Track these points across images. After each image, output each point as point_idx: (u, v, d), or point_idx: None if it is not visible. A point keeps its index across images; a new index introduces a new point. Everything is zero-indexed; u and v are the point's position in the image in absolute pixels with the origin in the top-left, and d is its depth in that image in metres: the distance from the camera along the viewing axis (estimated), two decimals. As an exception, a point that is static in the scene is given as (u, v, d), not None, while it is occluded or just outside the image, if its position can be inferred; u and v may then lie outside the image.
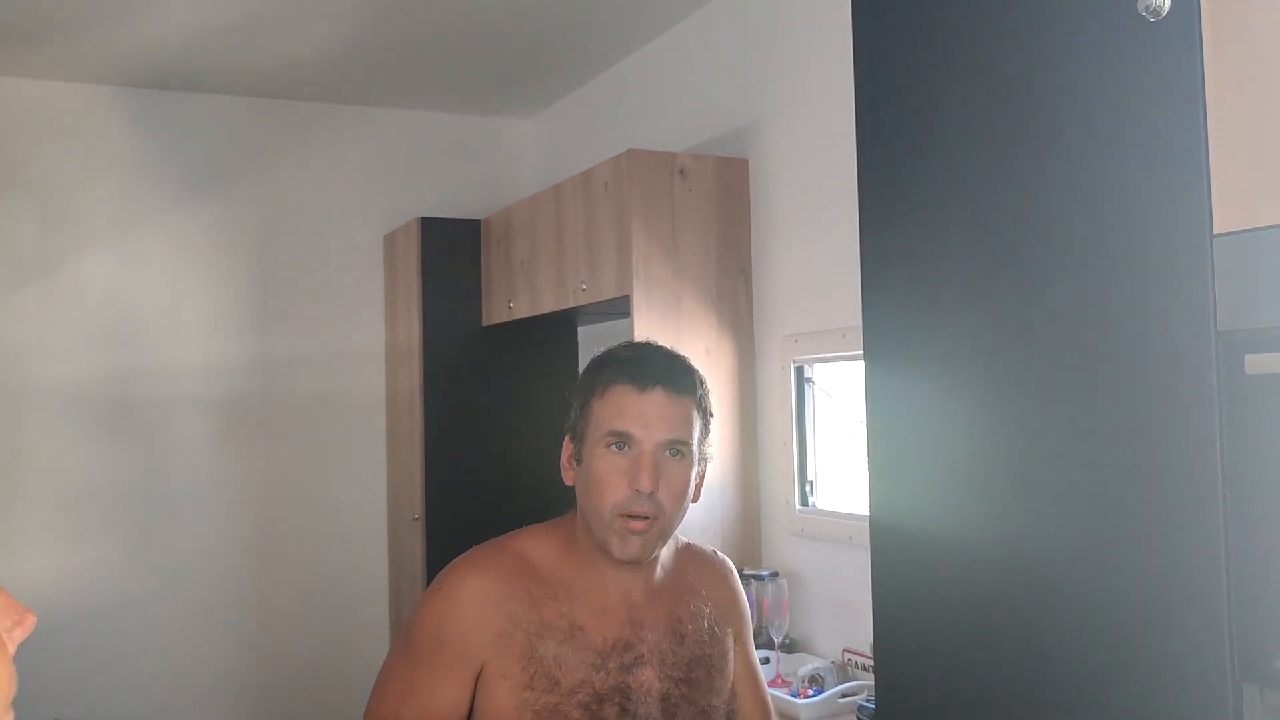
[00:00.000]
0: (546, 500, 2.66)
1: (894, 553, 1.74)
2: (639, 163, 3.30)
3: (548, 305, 3.84)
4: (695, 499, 1.58)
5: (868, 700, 2.54)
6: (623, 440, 1.47)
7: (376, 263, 4.81)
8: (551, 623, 1.44)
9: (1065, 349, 1.44)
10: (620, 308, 3.54)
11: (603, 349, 1.63)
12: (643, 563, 1.51)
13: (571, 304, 3.65)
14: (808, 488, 3.25)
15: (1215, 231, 1.24)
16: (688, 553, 1.67)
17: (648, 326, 3.26)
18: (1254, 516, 1.21)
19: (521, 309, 4.05)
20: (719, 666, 1.57)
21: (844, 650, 2.94)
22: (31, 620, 0.77)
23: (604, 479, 1.47)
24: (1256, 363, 1.18)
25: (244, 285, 4.58)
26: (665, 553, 1.59)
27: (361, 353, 4.77)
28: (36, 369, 4.25)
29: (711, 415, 1.59)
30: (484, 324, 4.39)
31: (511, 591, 1.45)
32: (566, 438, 1.56)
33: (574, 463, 1.54)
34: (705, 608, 1.61)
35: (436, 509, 4.29)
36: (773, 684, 2.82)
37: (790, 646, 3.08)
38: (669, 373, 1.52)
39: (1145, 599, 1.33)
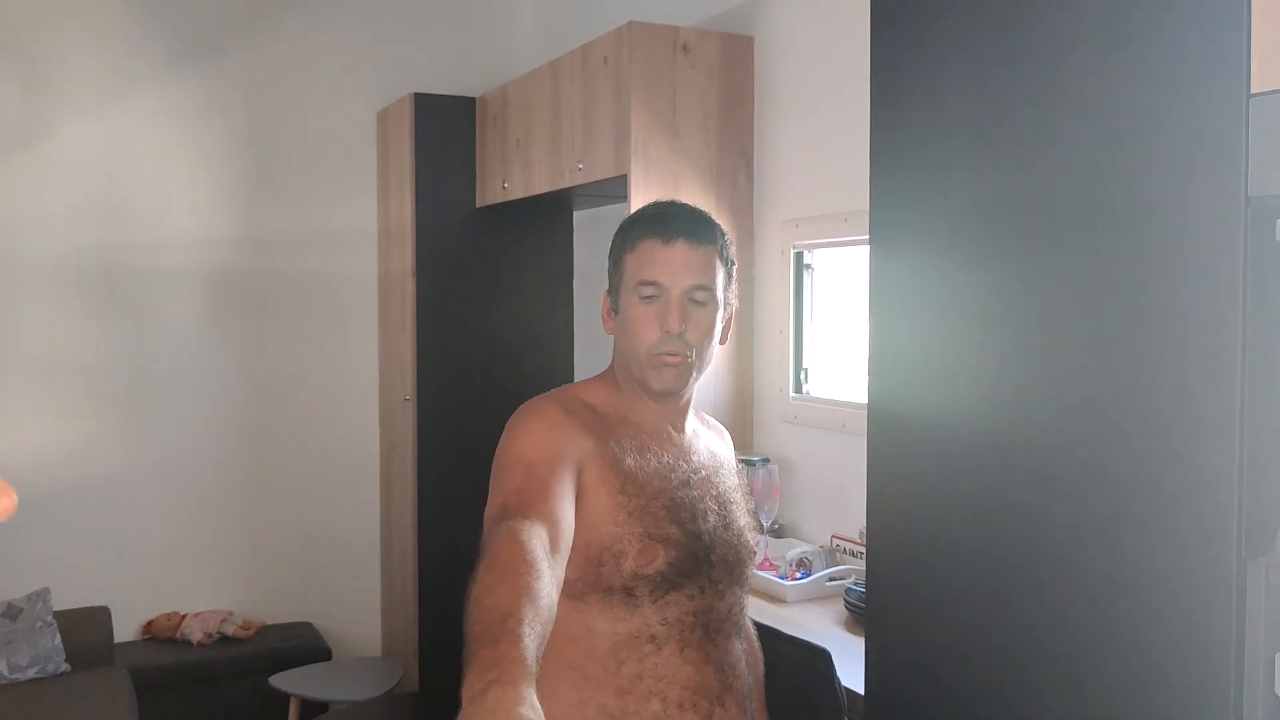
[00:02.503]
0: (539, 382, 2.62)
1: (891, 440, 1.72)
2: (640, 36, 3.18)
3: (543, 185, 3.75)
4: (723, 341, 1.71)
5: (855, 584, 2.54)
6: (652, 288, 1.60)
7: (369, 140, 4.70)
8: (625, 443, 1.60)
9: (1082, 220, 1.38)
10: (617, 189, 3.46)
11: (633, 212, 1.74)
12: (678, 394, 1.66)
13: (568, 184, 3.57)
14: (802, 375, 3.22)
15: (1252, 90, 1.17)
16: (701, 416, 1.83)
17: (645, 207, 3.18)
18: (1272, 392, 1.17)
19: (516, 189, 3.96)
20: (741, 501, 1.74)
21: (832, 536, 2.94)
22: (8, 503, 0.72)
23: (638, 325, 1.61)
24: (1288, 228, 1.13)
25: (234, 159, 4.47)
26: (690, 408, 1.75)
27: (353, 232, 4.69)
28: (21, 241, 4.16)
29: (734, 263, 1.70)
30: (478, 205, 4.30)
31: (585, 419, 1.60)
32: (604, 292, 1.70)
33: (612, 314, 1.68)
34: (725, 452, 1.80)
35: (428, 390, 4.26)
36: (761, 567, 2.82)
37: (779, 531, 3.08)
38: (691, 225, 1.63)
39: (1153, 475, 1.30)
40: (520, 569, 1.27)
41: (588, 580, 1.54)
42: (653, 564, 1.54)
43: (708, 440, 1.78)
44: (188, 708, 4.04)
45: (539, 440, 1.54)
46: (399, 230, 4.42)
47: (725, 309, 1.68)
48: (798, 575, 2.72)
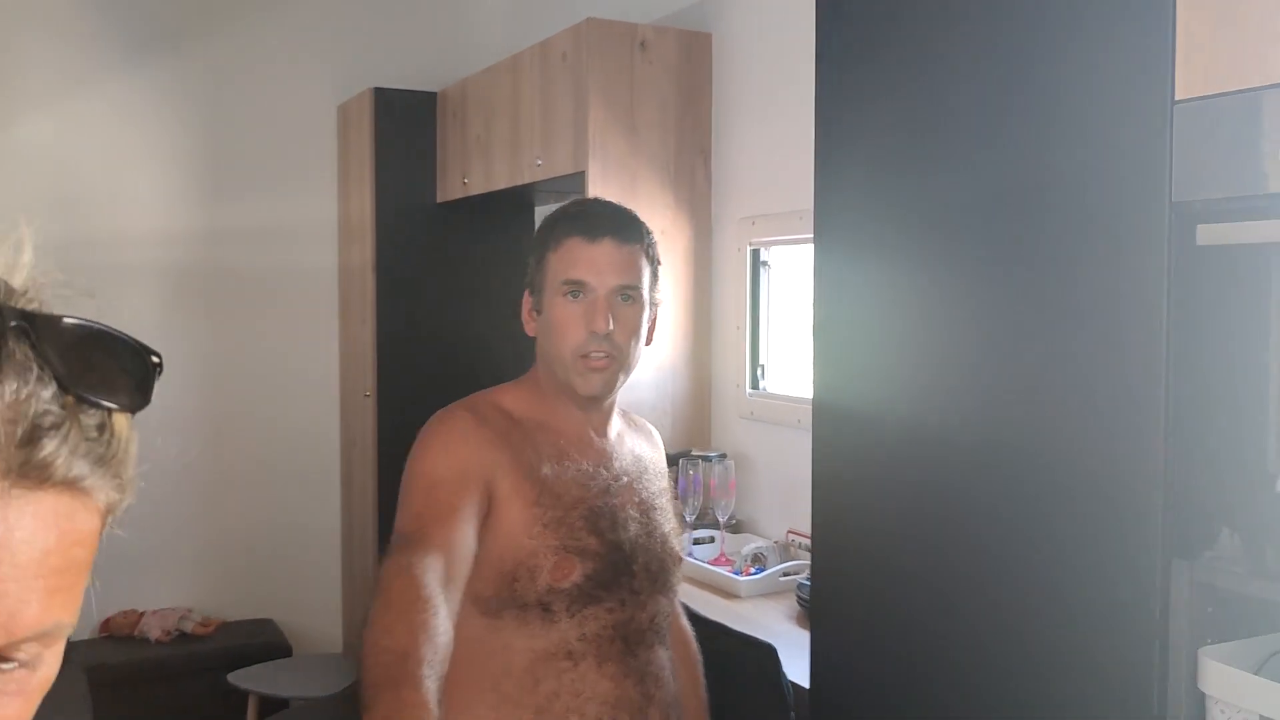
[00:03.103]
0: (499, 377, 2.62)
1: (835, 434, 1.73)
2: (598, 33, 3.19)
3: (502, 181, 3.75)
4: (649, 341, 1.68)
5: (808, 579, 2.56)
6: (577, 288, 1.57)
7: (329, 134, 4.67)
8: (543, 451, 1.56)
9: (1014, 225, 1.40)
10: (575, 185, 3.46)
11: (555, 208, 1.70)
12: (604, 399, 1.63)
13: (527, 180, 3.57)
14: (759, 371, 3.24)
15: (1176, 97, 1.19)
16: (627, 416, 1.80)
17: (603, 204, 3.19)
18: (1197, 392, 1.20)
19: (476, 185, 3.95)
20: (666, 506, 1.71)
21: (788, 531, 2.96)
22: None
23: (563, 325, 1.57)
24: (1209, 233, 1.15)
25: (192, 152, 4.43)
26: (615, 409, 1.72)
27: (313, 226, 4.66)
28: (-27, 234, 4.11)
29: (659, 263, 1.67)
30: (438, 200, 4.29)
31: (501, 427, 1.55)
32: (526, 292, 1.66)
33: (534, 314, 1.64)
34: (651, 453, 1.77)
35: (388, 386, 4.24)
36: (716, 562, 2.84)
37: (735, 527, 3.10)
38: (617, 224, 1.61)
39: (1082, 474, 1.32)
40: (417, 608, 1.25)
41: (502, 597, 1.50)
42: (569, 577, 1.50)
43: (633, 443, 1.74)
44: (146, 706, 4.01)
45: (445, 456, 1.50)
46: (359, 225, 4.40)
47: (651, 309, 1.65)
48: (752, 570, 2.73)
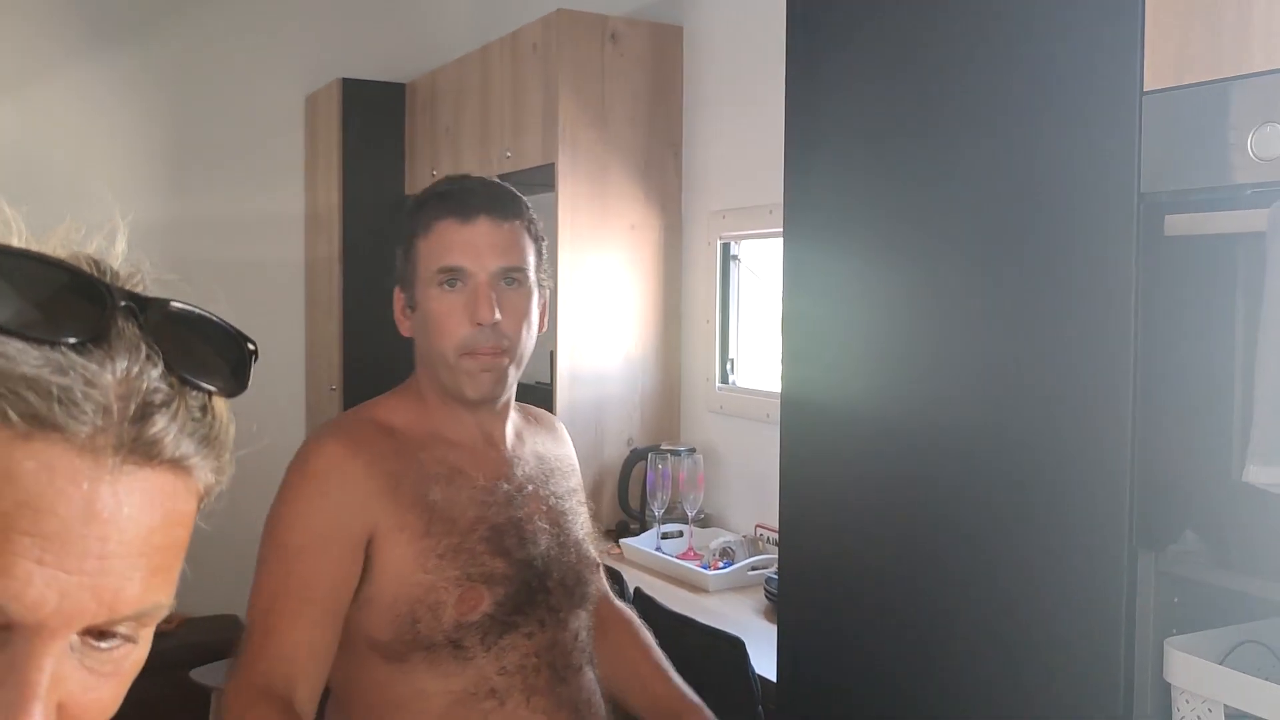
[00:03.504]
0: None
1: (804, 428, 1.73)
2: (569, 24, 3.17)
3: (472, 172, 3.71)
4: (541, 328, 1.50)
5: (776, 573, 2.56)
6: (454, 275, 1.39)
7: (297, 124, 4.62)
8: (431, 470, 1.38)
9: (983, 217, 1.40)
10: (545, 178, 3.45)
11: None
12: (497, 400, 1.45)
13: (496, 171, 3.54)
14: (728, 365, 3.23)
15: (1145, 88, 1.19)
16: (525, 412, 1.62)
17: (572, 197, 3.18)
18: (1164, 383, 1.20)
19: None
20: (581, 501, 1.58)
21: (756, 525, 2.95)
22: None
23: (442, 319, 1.40)
24: (1176, 224, 1.15)
25: (157, 142, 4.37)
26: (510, 407, 1.54)
27: (280, 217, 4.61)
28: (-69, 223, 4.03)
29: (543, 240, 1.49)
30: (406, 192, 4.25)
31: (379, 452, 1.37)
32: (397, 288, 1.48)
33: (408, 312, 1.46)
34: (558, 450, 1.61)
35: (354, 379, 4.21)
36: (684, 556, 2.83)
37: (704, 521, 3.09)
38: (492, 200, 1.42)
39: (1050, 466, 1.32)
40: None
41: (405, 639, 1.33)
42: (477, 609, 1.33)
43: (535, 442, 1.56)
44: (128, 697, 3.96)
45: (308, 513, 1.33)
46: (326, 216, 4.36)
47: (540, 292, 1.48)
48: (720, 564, 2.73)
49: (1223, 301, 1.13)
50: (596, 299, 3.23)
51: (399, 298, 1.48)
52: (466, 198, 1.41)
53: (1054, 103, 1.30)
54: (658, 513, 2.96)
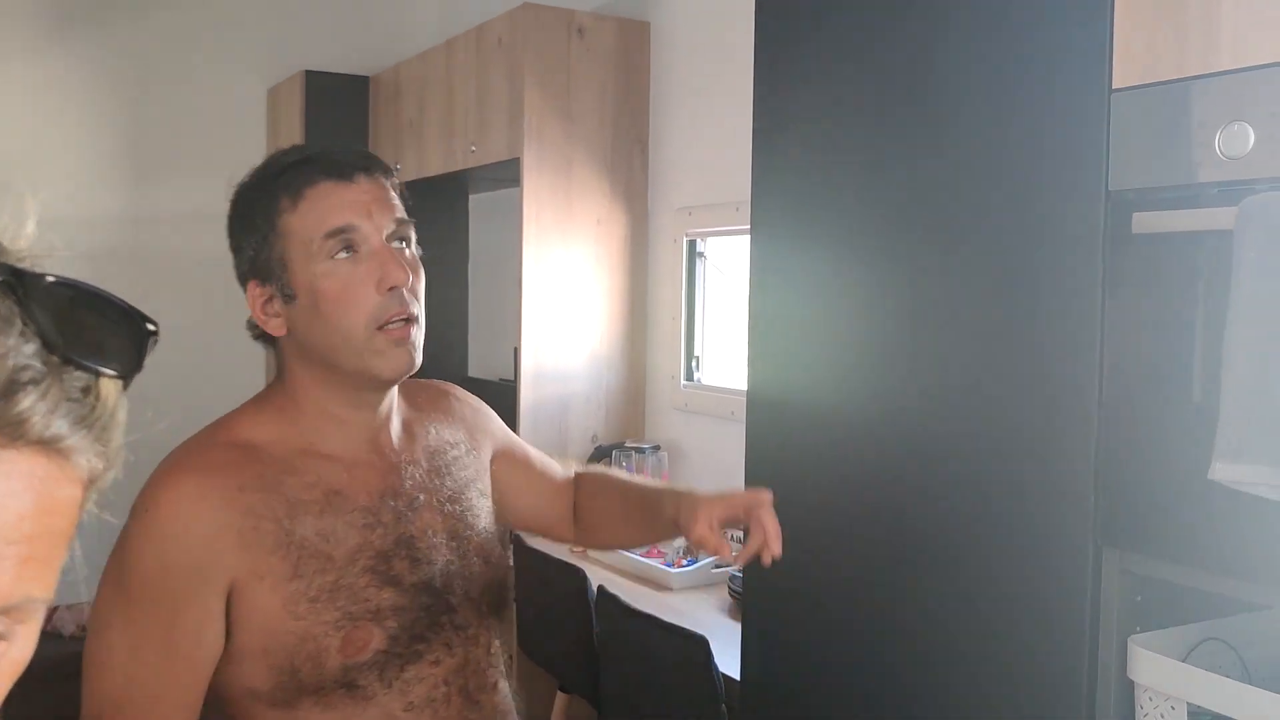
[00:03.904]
0: (431, 367, 2.56)
1: (769, 426, 1.72)
2: (534, 18, 3.14)
3: (436, 168, 3.69)
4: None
5: (739, 571, 2.55)
6: (348, 241, 1.19)
7: (259, 117, 4.57)
8: (301, 498, 1.19)
9: (951, 214, 1.40)
10: (510, 173, 3.42)
11: (247, 178, 1.30)
12: (408, 375, 1.27)
13: (460, 166, 3.52)
14: (694, 363, 3.22)
15: (1114, 86, 1.19)
16: (408, 392, 1.41)
17: (537, 192, 3.16)
18: (1130, 380, 1.20)
19: (409, 171, 3.89)
20: (483, 491, 1.41)
21: (721, 524, 2.94)
22: None
23: (342, 294, 1.19)
24: (1144, 221, 1.15)
25: (117, 134, 4.30)
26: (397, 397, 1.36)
27: (240, 211, 4.55)
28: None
29: (411, 202, 1.32)
30: (370, 187, 4.22)
31: (240, 482, 1.17)
32: (251, 284, 1.25)
33: (277, 306, 1.23)
34: (456, 432, 1.42)
35: (316, 376, 4.17)
36: (648, 554, 2.82)
37: (669, 520, 3.08)
38: (363, 158, 1.26)
39: (1015, 464, 1.32)
40: None
41: (289, 688, 1.17)
42: (367, 648, 1.18)
43: (427, 433, 1.38)
44: (58, 703, 3.88)
45: (154, 564, 1.14)
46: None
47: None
48: (684, 562, 2.71)
49: (1190, 299, 1.13)
50: (561, 295, 3.21)
51: (258, 295, 1.24)
52: (335, 158, 1.23)
53: (1023, 100, 1.30)
54: (622, 510, 2.95)
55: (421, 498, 1.29)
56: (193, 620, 1.15)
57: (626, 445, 3.06)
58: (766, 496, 1.26)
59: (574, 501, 1.56)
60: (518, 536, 2.90)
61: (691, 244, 3.20)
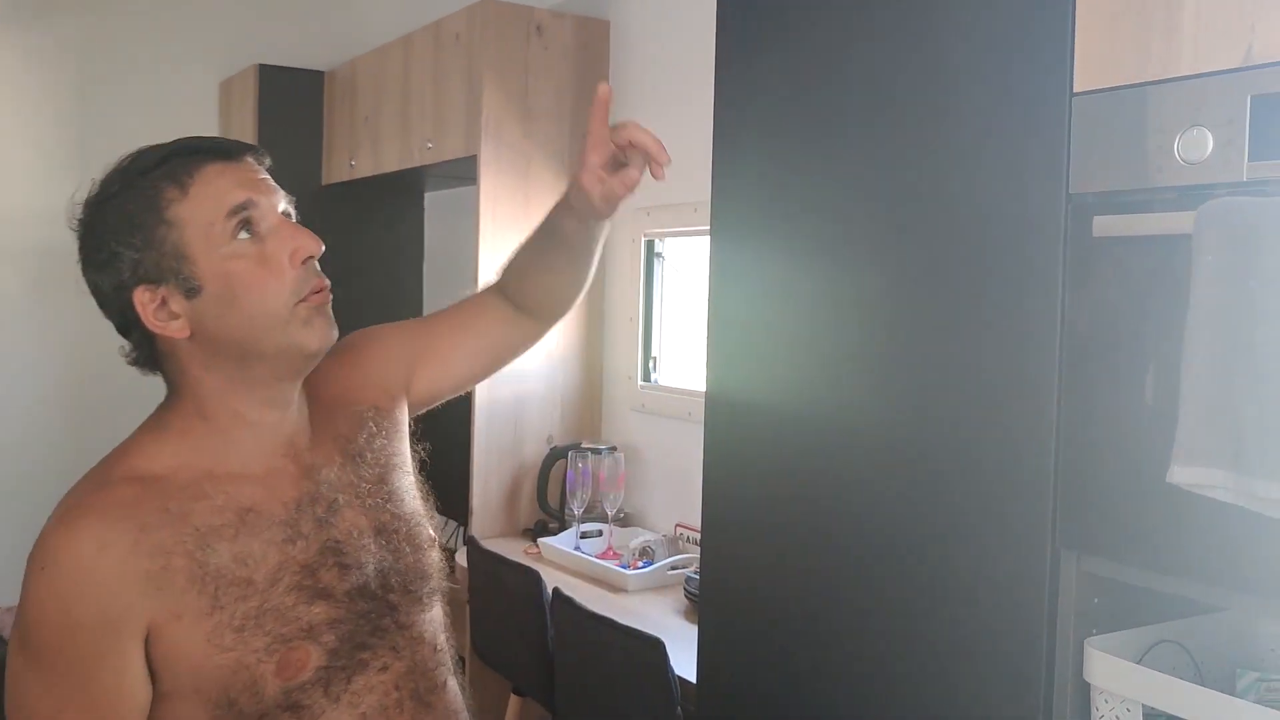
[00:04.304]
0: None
1: (727, 427, 1.71)
2: (493, 15, 3.12)
3: (392, 164, 3.65)
4: None
5: (696, 572, 2.54)
6: (248, 219, 1.14)
7: (210, 111, 4.49)
8: (212, 525, 1.12)
9: (912, 217, 1.40)
10: (467, 171, 3.39)
11: (113, 173, 1.20)
12: (332, 344, 1.21)
13: (417, 163, 3.48)
14: (651, 363, 3.21)
15: (1075, 90, 1.20)
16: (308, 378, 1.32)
17: (495, 190, 3.13)
18: (1090, 383, 1.20)
19: (364, 168, 3.85)
20: (403, 463, 1.34)
21: (676, 525, 2.94)
22: None
23: (258, 271, 1.13)
24: (1105, 225, 1.15)
25: (63, 126, 4.19)
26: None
27: (191, 206, 4.47)
28: None
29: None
30: (324, 183, 4.17)
31: (142, 522, 1.10)
32: (139, 291, 1.14)
33: (177, 303, 1.14)
34: (360, 406, 1.33)
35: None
36: (603, 556, 2.81)
37: (624, 520, 3.07)
38: (243, 143, 1.21)
39: (974, 466, 1.32)
40: None
41: (227, 716, 1.12)
42: (305, 668, 1.13)
43: (332, 421, 1.29)
44: (-1, 706, 3.80)
45: (62, 620, 1.07)
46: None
47: None
48: (640, 564, 2.71)
49: (1150, 303, 1.14)
50: (518, 294, 3.18)
51: (148, 301, 1.14)
52: (217, 142, 1.18)
53: (984, 102, 1.30)
54: (577, 512, 2.93)
55: (341, 498, 1.22)
56: (111, 674, 1.09)
57: (582, 446, 3.05)
58: (626, 121, 1.27)
59: (502, 293, 1.51)
60: (471, 539, 2.88)
61: (650, 244, 3.19)
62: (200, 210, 1.13)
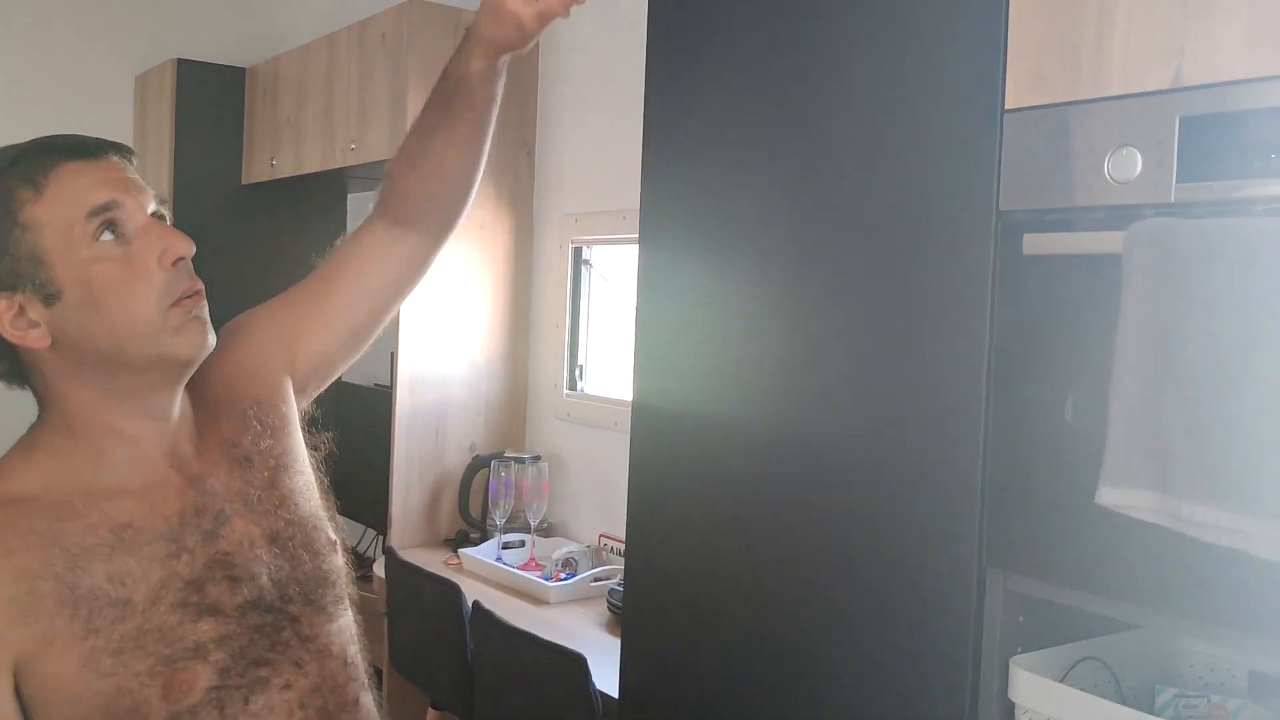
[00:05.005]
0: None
1: (654, 436, 1.69)
2: (421, 15, 3.07)
3: (314, 165, 3.57)
4: None
5: (619, 584, 2.52)
6: (112, 219, 1.06)
7: (126, 105, 4.36)
8: (84, 545, 1.05)
9: (842, 229, 1.39)
10: (392, 173, 3.34)
11: None
12: (209, 351, 1.14)
13: (339, 164, 3.41)
14: (577, 372, 3.18)
15: (1006, 106, 1.19)
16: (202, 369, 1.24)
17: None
18: (1018, 400, 1.20)
19: (285, 167, 3.76)
20: (296, 459, 1.26)
21: (600, 535, 2.91)
22: None
23: (123, 275, 1.06)
24: (1035, 243, 1.15)
25: (-34, 116, 4.06)
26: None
27: (103, 203, 4.34)
28: None
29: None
30: (244, 182, 4.07)
31: (7, 546, 1.03)
32: None
33: (34, 313, 1.07)
34: (242, 403, 1.24)
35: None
36: (525, 567, 2.77)
37: (547, 530, 3.03)
38: (106, 141, 1.14)
39: (901, 482, 1.31)
40: None
41: None
42: (193, 690, 1.05)
43: (217, 424, 1.20)
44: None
45: None
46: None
47: None
48: (563, 576, 2.67)
49: (1079, 323, 1.14)
50: (442, 300, 3.14)
51: (4, 308, 1.06)
52: (78, 141, 1.11)
53: (916, 117, 1.29)
54: (499, 522, 2.89)
55: (228, 507, 1.14)
56: None
57: (506, 455, 3.00)
58: None
59: (383, 214, 1.37)
60: (390, 549, 2.82)
61: (577, 251, 3.16)
62: (57, 212, 1.06)
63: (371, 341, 1.42)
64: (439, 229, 1.40)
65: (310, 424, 1.34)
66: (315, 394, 1.37)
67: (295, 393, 1.32)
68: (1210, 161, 1.03)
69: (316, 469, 1.30)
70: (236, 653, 1.09)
